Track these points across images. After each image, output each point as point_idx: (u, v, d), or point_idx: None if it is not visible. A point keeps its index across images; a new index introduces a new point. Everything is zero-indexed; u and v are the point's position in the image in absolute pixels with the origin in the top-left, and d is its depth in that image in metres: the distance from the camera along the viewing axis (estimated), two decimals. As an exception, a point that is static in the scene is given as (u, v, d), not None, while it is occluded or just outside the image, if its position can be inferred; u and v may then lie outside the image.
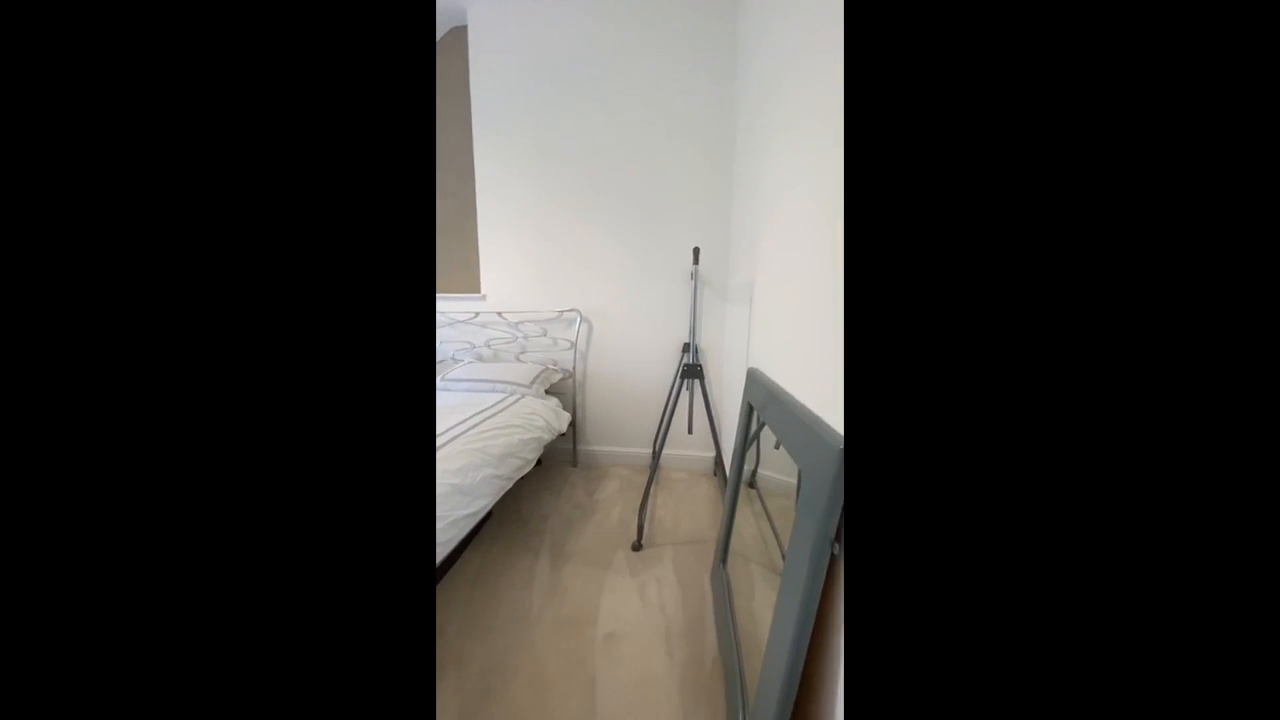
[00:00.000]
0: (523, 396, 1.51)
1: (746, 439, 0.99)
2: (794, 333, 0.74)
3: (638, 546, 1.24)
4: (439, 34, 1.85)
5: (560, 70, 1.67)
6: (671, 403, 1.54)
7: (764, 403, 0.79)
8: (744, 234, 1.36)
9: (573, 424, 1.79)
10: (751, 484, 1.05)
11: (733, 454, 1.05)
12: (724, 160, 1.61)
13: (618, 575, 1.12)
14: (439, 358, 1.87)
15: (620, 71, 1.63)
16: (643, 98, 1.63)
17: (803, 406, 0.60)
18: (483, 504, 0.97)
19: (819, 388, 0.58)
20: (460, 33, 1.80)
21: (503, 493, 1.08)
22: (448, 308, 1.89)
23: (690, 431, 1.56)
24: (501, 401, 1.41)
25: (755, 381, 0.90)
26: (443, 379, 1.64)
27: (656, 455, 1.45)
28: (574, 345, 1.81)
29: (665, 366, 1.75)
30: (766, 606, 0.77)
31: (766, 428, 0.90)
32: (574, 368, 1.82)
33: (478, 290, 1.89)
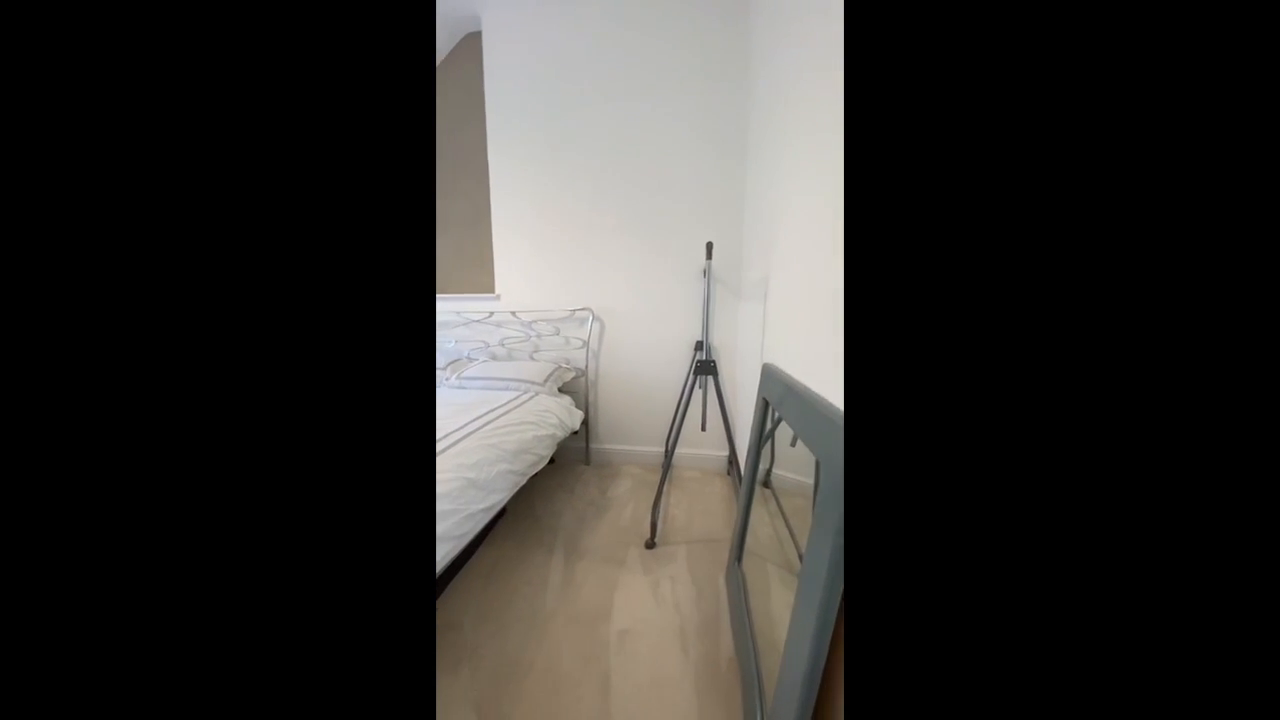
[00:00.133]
0: (536, 394, 1.52)
1: (762, 435, 0.97)
2: (812, 326, 0.73)
3: (651, 544, 1.23)
4: (454, 41, 1.89)
5: (572, 70, 1.68)
6: (684, 400, 1.53)
7: (780, 397, 0.78)
8: (758, 229, 1.34)
9: (585, 422, 1.79)
10: (766, 483, 1.03)
11: (747, 451, 1.03)
12: (737, 155, 1.60)
13: (631, 573, 1.11)
14: (455, 356, 1.90)
15: (631, 69, 1.63)
16: (654, 94, 1.63)
17: (821, 398, 0.58)
18: (497, 499, 0.97)
19: (839, 380, 0.56)
20: (475, 39, 1.83)
21: (517, 488, 1.09)
22: (463, 307, 1.92)
23: (704, 429, 1.55)
24: (516, 399, 1.42)
25: (771, 376, 0.88)
26: (458, 377, 1.67)
27: (669, 453, 1.44)
28: (586, 344, 1.81)
29: (677, 365, 1.74)
30: (783, 607, 0.75)
31: (781, 426, 0.88)
32: (586, 366, 1.83)
33: (492, 290, 1.91)
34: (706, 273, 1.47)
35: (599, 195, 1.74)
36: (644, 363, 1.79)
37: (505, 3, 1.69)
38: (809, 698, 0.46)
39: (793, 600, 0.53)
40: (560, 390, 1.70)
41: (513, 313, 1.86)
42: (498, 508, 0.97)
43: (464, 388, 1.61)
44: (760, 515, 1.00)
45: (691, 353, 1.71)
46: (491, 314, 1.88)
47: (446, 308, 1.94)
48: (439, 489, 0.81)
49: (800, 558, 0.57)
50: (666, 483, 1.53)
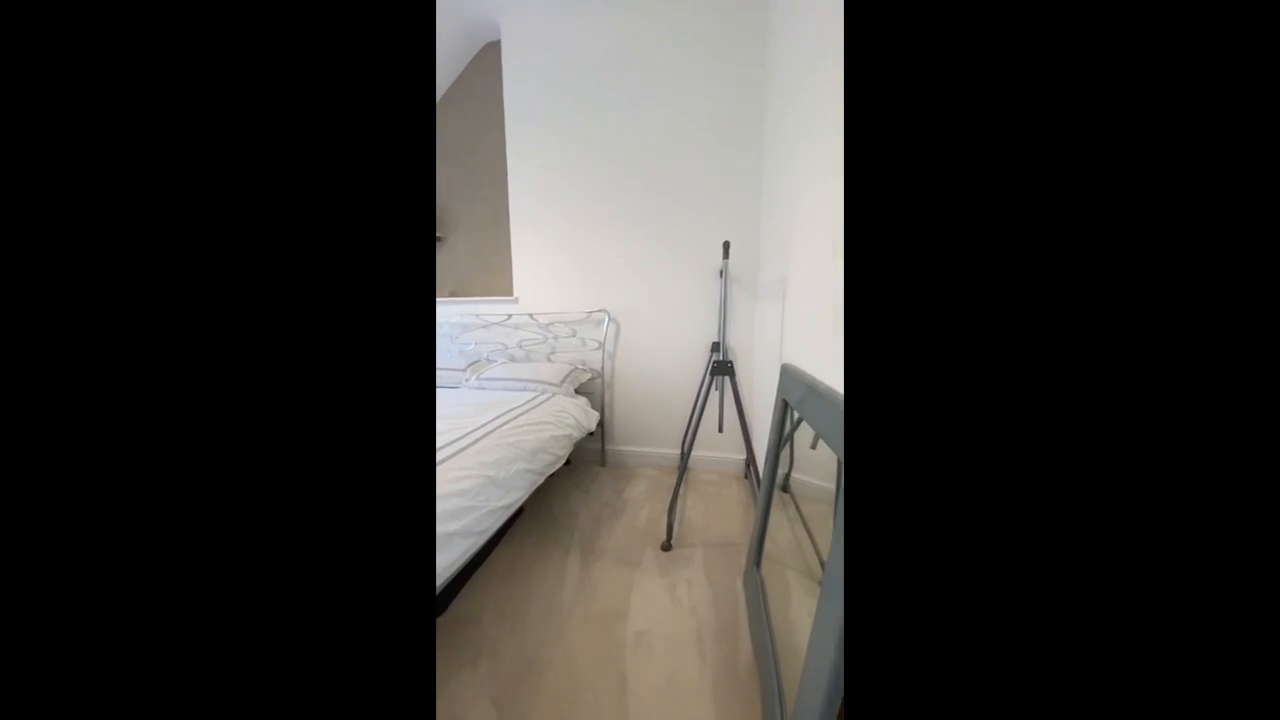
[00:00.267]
0: (553, 395, 1.54)
1: (781, 437, 0.95)
2: (834, 323, 0.71)
3: (667, 546, 1.22)
4: (474, 51, 1.94)
5: (587, 73, 1.70)
6: (700, 402, 1.52)
7: (801, 397, 0.76)
8: (775, 227, 1.32)
9: (601, 424, 1.80)
10: (785, 488, 1.01)
11: (766, 453, 1.01)
12: (753, 150, 1.58)
13: (647, 574, 1.11)
14: (475, 358, 1.95)
15: (645, 68, 1.64)
16: (669, 91, 1.63)
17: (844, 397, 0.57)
18: (516, 497, 0.99)
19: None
20: (494, 48, 1.88)
21: (534, 487, 1.10)
22: (482, 310, 1.96)
23: (720, 430, 1.53)
24: (533, 399, 1.44)
25: (790, 377, 0.87)
26: (478, 378, 1.70)
27: (685, 455, 1.43)
28: (602, 345, 1.83)
29: (693, 367, 1.73)
30: (804, 613, 0.74)
31: (800, 429, 0.86)
32: (602, 368, 1.84)
33: (510, 293, 1.95)
34: (723, 272, 1.46)
35: (615, 197, 1.75)
36: (659, 364, 1.79)
37: (524, 11, 1.73)
38: (832, 708, 0.45)
39: (814, 607, 0.52)
40: (576, 391, 1.71)
41: (530, 315, 1.89)
42: (516, 506, 0.99)
43: (484, 388, 1.64)
44: (779, 520, 0.98)
45: (707, 354, 1.69)
46: (510, 316, 1.91)
47: (466, 311, 1.99)
48: (460, 485, 0.82)
49: (821, 564, 0.56)
50: (683, 485, 1.52)
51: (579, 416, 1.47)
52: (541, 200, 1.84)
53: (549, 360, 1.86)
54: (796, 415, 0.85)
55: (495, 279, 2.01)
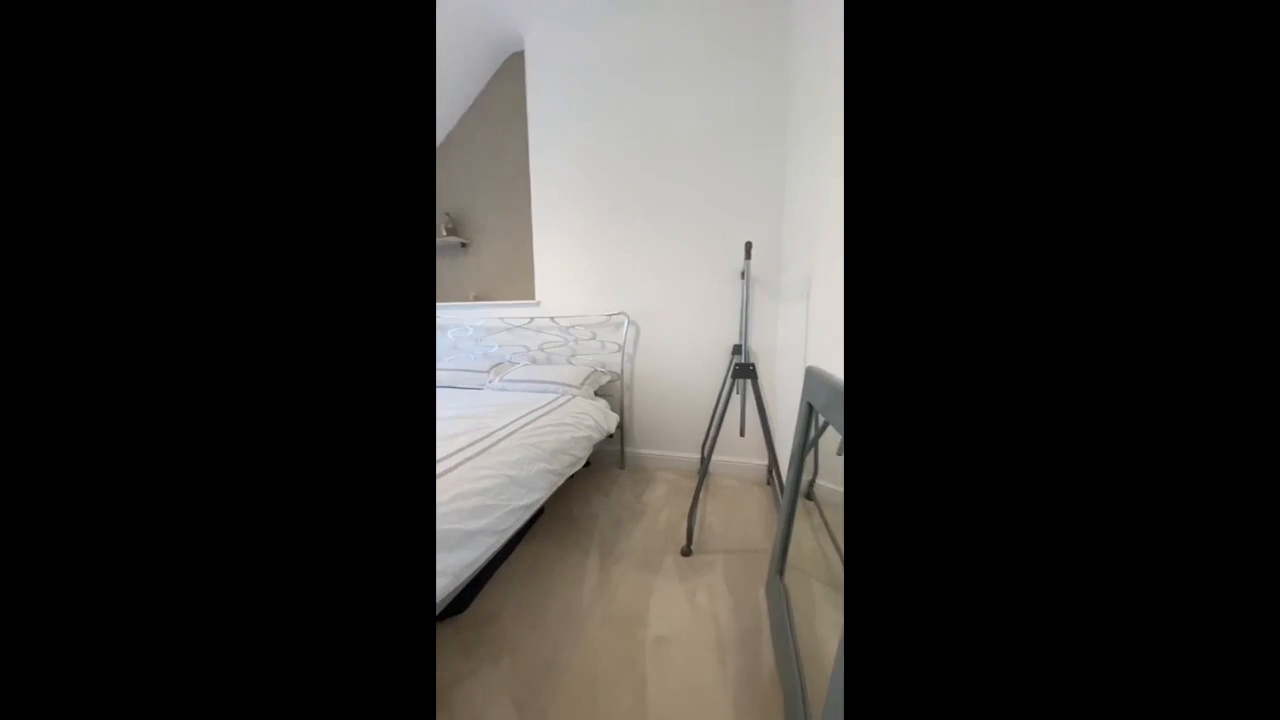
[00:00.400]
0: (574, 397, 1.55)
1: (805, 442, 0.93)
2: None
3: (687, 551, 1.21)
4: (499, 62, 2.01)
5: (607, 77, 1.72)
6: (721, 406, 1.50)
7: (827, 401, 0.74)
8: (799, 226, 1.29)
9: (620, 426, 1.80)
10: (809, 495, 0.98)
11: (790, 458, 0.99)
12: (775, 147, 1.56)
13: (667, 579, 1.10)
14: (498, 360, 1.99)
15: (665, 70, 1.65)
16: (688, 92, 1.63)
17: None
18: (536, 496, 1.00)
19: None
20: (518, 59, 1.93)
21: (555, 488, 1.11)
22: (505, 313, 2.01)
23: (742, 434, 1.50)
24: (554, 401, 1.46)
25: (816, 380, 0.84)
26: (501, 380, 1.74)
27: (705, 459, 1.41)
28: (621, 348, 1.83)
29: (713, 370, 1.71)
30: (829, 625, 0.71)
31: (825, 435, 0.83)
32: (621, 370, 1.84)
33: (533, 297, 1.99)
34: (745, 274, 1.44)
35: (635, 201, 1.76)
36: (680, 367, 1.78)
37: (548, 20, 1.77)
38: (862, 724, 0.43)
39: (841, 619, 0.50)
40: (596, 394, 1.72)
41: (552, 318, 1.92)
42: (536, 506, 1.00)
43: (506, 390, 1.68)
44: (803, 528, 0.95)
45: (729, 356, 1.67)
46: (532, 320, 1.95)
47: (490, 314, 2.04)
48: (482, 484, 0.84)
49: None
50: (703, 490, 1.50)
51: (598, 418, 1.48)
52: (563, 205, 1.87)
53: (569, 363, 1.89)
54: (822, 420, 0.82)
55: (518, 283, 2.05)
